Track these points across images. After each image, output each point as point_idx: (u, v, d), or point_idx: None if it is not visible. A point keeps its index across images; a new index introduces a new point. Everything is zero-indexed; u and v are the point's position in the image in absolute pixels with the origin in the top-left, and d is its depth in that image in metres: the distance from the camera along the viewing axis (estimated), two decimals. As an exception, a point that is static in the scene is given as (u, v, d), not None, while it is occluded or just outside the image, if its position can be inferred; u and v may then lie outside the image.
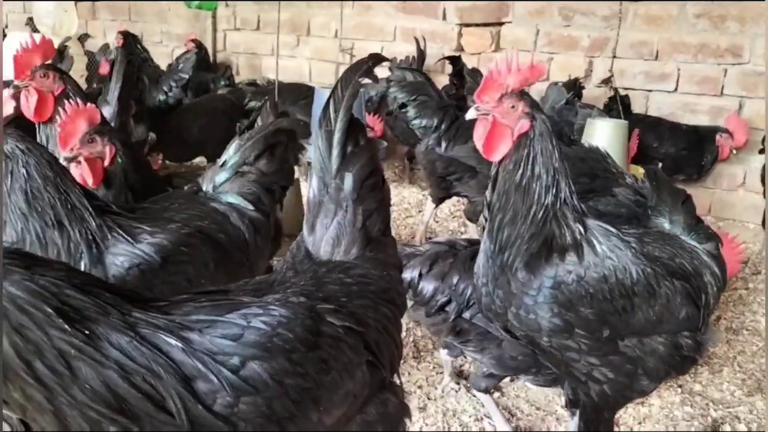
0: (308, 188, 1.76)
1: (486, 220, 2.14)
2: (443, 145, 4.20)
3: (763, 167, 4.19)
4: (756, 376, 3.14)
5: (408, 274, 2.54)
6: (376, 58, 1.79)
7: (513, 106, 2.02)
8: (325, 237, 1.72)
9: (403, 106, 4.36)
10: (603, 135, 4.22)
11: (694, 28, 5.14)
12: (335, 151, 1.68)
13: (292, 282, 1.57)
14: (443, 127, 4.21)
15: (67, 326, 1.12)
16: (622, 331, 2.07)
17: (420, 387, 2.96)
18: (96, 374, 1.12)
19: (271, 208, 2.55)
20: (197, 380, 1.19)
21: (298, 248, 1.76)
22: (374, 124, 5.96)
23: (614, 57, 4.98)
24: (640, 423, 2.78)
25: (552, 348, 2.11)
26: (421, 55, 5.48)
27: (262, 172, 2.51)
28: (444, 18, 5.97)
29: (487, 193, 2.13)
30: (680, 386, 3.02)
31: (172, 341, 1.19)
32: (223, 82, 6.67)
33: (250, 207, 2.47)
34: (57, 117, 2.55)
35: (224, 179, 2.50)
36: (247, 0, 7.07)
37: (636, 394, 2.25)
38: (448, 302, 2.55)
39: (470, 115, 2.08)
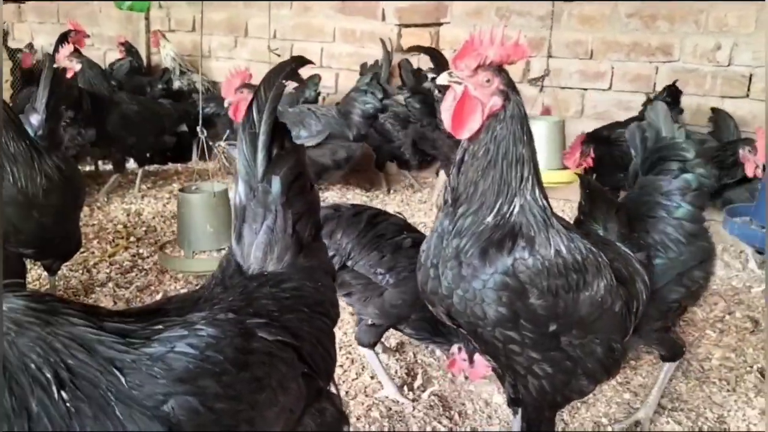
0: (234, 194, 1.70)
1: (446, 203, 2.03)
2: None
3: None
4: (693, 366, 3.23)
5: None
6: (300, 60, 1.76)
7: (488, 80, 1.90)
8: (255, 243, 1.65)
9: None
10: (539, 134, 4.27)
11: (626, 27, 5.26)
12: (261, 155, 1.64)
13: (220, 298, 1.49)
14: None
15: None
16: (566, 321, 2.04)
17: (367, 395, 2.93)
18: None
19: None
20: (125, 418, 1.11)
21: (228, 263, 1.69)
22: None
23: (549, 57, 5.05)
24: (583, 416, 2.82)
25: (495, 339, 2.06)
26: (388, 57, 5.37)
27: None
28: (383, 19, 5.96)
29: (452, 178, 2.02)
30: (627, 381, 3.08)
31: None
32: (160, 86, 6.48)
33: None
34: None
35: None
36: (181, 0, 6.90)
37: (575, 394, 2.26)
38: (333, 256, 2.67)
39: (442, 79, 1.94)
